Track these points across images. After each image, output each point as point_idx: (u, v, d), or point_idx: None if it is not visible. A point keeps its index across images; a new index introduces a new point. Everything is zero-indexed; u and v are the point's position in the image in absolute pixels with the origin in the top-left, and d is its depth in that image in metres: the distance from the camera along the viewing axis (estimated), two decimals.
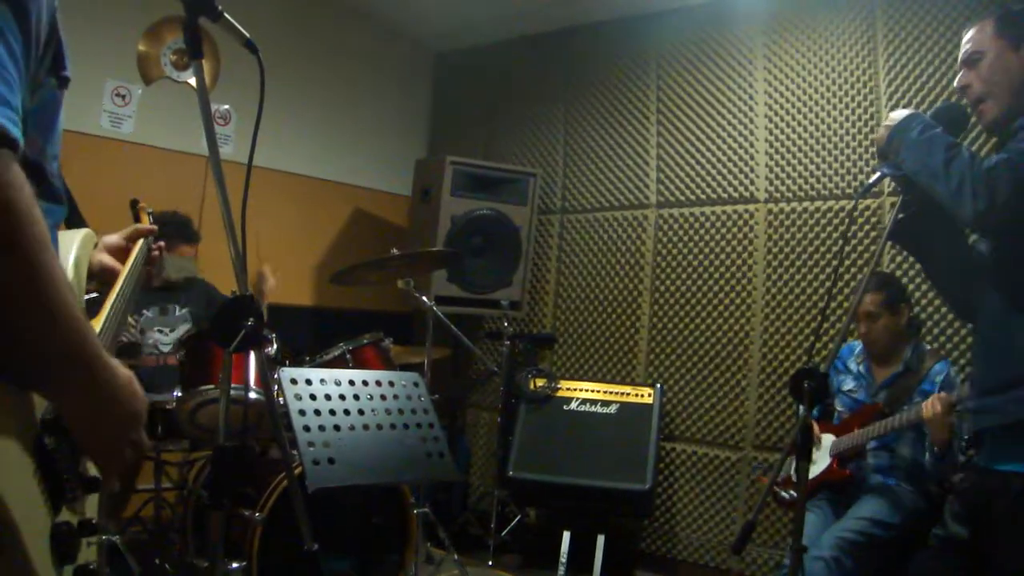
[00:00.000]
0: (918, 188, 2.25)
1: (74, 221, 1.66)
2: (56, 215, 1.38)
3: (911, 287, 4.14)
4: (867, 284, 3.77)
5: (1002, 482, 2.17)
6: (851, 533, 3.40)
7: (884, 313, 3.74)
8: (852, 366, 3.96)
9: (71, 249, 1.53)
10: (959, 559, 2.29)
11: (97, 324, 1.52)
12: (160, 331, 4.38)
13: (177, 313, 4.46)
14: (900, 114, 2.34)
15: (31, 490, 1.15)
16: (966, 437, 3.22)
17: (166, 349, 4.32)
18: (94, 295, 1.66)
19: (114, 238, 1.98)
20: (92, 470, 1.39)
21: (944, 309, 4.12)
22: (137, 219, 2.21)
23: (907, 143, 2.27)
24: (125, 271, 1.81)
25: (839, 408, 3.98)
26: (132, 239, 2.00)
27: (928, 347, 3.95)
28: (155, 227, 2.09)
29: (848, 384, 3.95)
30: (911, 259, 4.21)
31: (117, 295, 1.69)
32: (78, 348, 1.14)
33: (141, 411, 1.28)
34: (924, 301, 4.19)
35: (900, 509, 3.53)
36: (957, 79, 2.27)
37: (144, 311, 4.38)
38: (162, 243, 2.15)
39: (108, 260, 1.89)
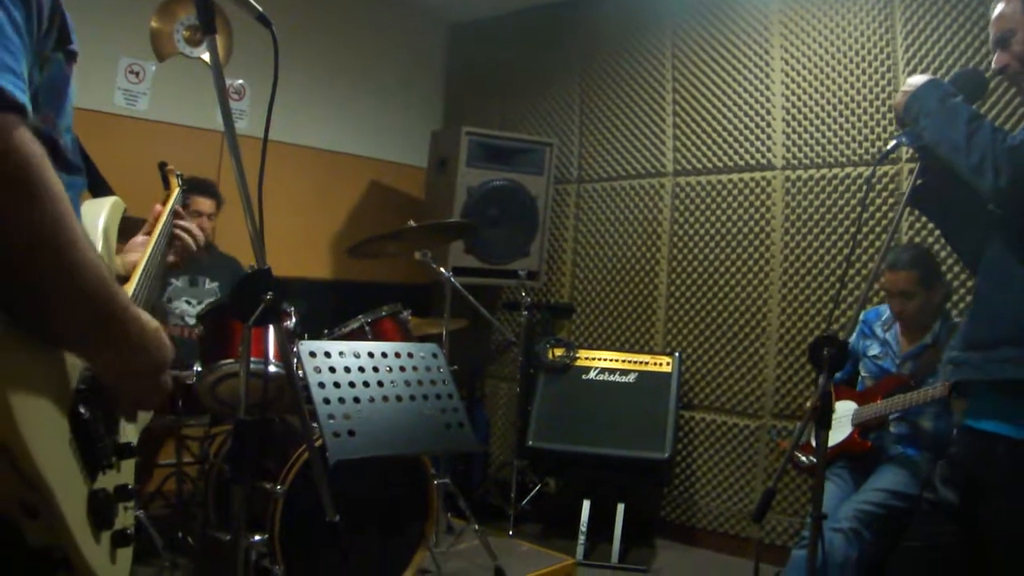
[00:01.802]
0: (937, 156, 2.22)
1: (100, 190, 1.67)
2: (77, 186, 1.40)
3: (943, 254, 4.09)
4: (897, 257, 3.75)
5: (987, 444, 2.16)
6: (870, 505, 3.39)
7: (920, 291, 3.69)
8: (879, 332, 3.94)
9: (100, 217, 1.55)
10: (950, 525, 2.28)
11: (129, 288, 1.54)
12: (188, 302, 4.42)
13: (206, 286, 4.50)
14: (919, 80, 2.29)
15: (67, 458, 1.17)
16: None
17: (192, 320, 4.35)
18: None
19: (141, 238, 1.98)
20: (127, 437, 1.42)
21: (964, 277, 4.09)
22: (166, 180, 2.20)
23: (927, 111, 2.22)
24: (153, 239, 1.82)
25: (863, 373, 3.97)
26: (153, 229, 2.00)
27: (957, 320, 3.93)
28: (175, 191, 2.08)
29: (874, 349, 3.93)
30: (930, 226, 4.18)
31: (146, 261, 1.70)
32: (107, 301, 1.17)
33: (168, 359, 1.32)
34: (950, 275, 4.13)
35: (920, 479, 3.52)
36: (993, 62, 2.20)
37: (173, 279, 4.41)
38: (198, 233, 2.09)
39: (135, 259, 1.90)
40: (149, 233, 1.95)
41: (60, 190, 1.07)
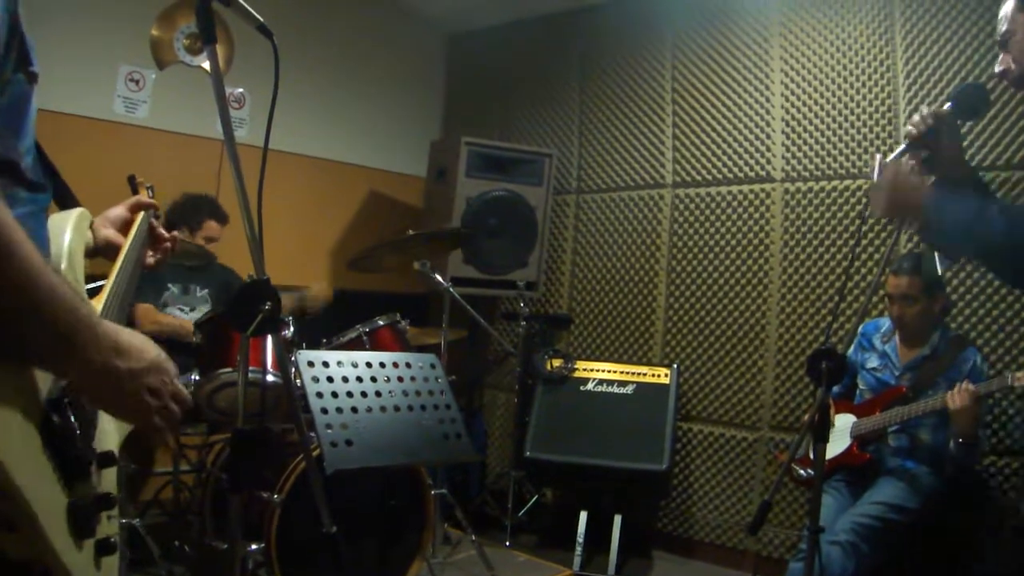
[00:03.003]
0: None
1: (67, 202, 1.67)
2: (40, 203, 1.38)
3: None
4: (901, 262, 3.76)
5: None
6: (868, 518, 3.39)
7: (922, 298, 3.70)
8: (877, 344, 3.94)
9: (65, 232, 1.53)
10: None
11: (99, 303, 1.53)
12: (181, 309, 4.43)
13: (198, 294, 4.51)
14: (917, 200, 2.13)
15: (41, 469, 1.16)
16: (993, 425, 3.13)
17: None
18: (99, 284, 1.67)
19: (118, 210, 1.98)
20: (106, 445, 1.41)
21: (964, 293, 4.09)
22: (136, 194, 2.21)
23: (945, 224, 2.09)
24: (126, 246, 1.82)
25: (861, 386, 3.97)
26: (134, 210, 2.01)
27: (955, 332, 3.93)
28: (155, 202, 2.09)
29: (873, 362, 3.93)
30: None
31: (119, 271, 1.69)
32: (70, 318, 1.15)
33: (156, 360, 1.29)
34: (949, 289, 4.13)
35: (918, 493, 3.52)
36: (997, 64, 2.16)
37: (170, 285, 4.43)
38: (175, 233, 2.15)
39: (112, 234, 1.90)
40: (130, 210, 1.96)
41: (10, 219, 1.06)
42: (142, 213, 2.00)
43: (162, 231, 2.08)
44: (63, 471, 1.21)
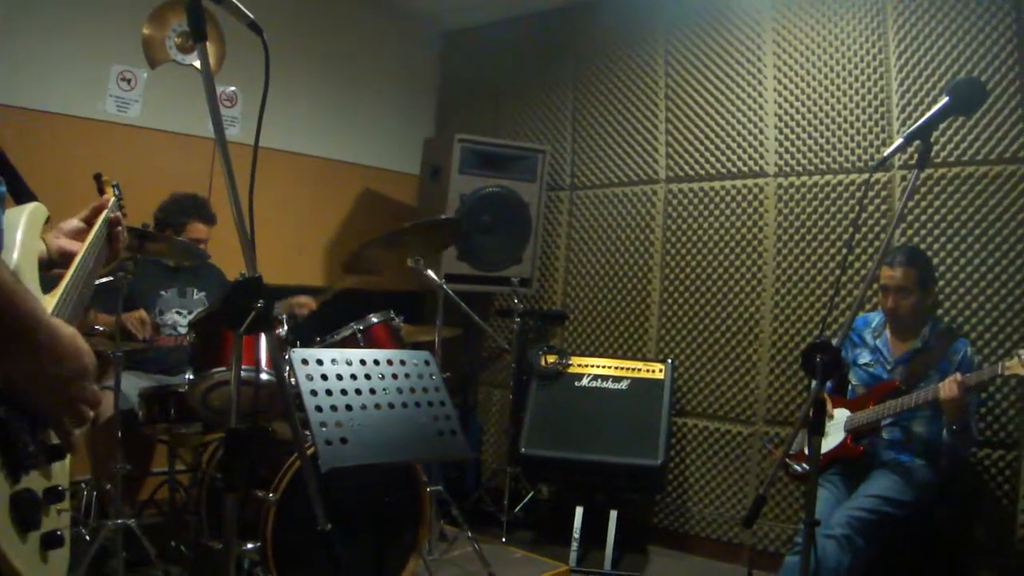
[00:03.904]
0: None
1: (23, 197, 1.67)
2: None
3: (935, 261, 4.11)
4: (895, 254, 3.77)
5: None
6: (863, 511, 3.40)
7: (916, 290, 3.72)
8: (868, 339, 3.95)
9: (18, 225, 1.53)
10: None
11: (52, 299, 1.52)
12: (179, 312, 4.42)
13: (195, 296, 4.49)
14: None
15: None
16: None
17: (184, 330, 4.34)
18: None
19: (73, 222, 1.96)
20: (55, 438, 1.41)
21: (958, 287, 4.10)
22: (101, 191, 2.19)
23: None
24: (82, 250, 1.81)
25: (854, 382, 3.97)
26: (91, 219, 1.99)
27: (945, 325, 3.95)
28: (110, 198, 2.07)
29: (864, 357, 3.93)
30: (923, 232, 4.20)
31: (75, 269, 1.69)
32: (10, 313, 1.15)
33: (88, 366, 1.29)
34: (942, 282, 4.15)
35: (912, 486, 3.53)
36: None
37: (163, 292, 4.41)
38: (119, 215, 2.11)
39: (66, 244, 1.88)
40: (86, 221, 1.95)
41: None
42: (99, 220, 1.98)
43: (119, 222, 2.04)
44: (6, 462, 1.21)
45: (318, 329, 4.01)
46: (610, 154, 5.52)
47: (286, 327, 3.70)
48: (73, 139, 4.47)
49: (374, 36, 6.09)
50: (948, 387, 3.34)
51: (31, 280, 1.51)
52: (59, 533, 1.33)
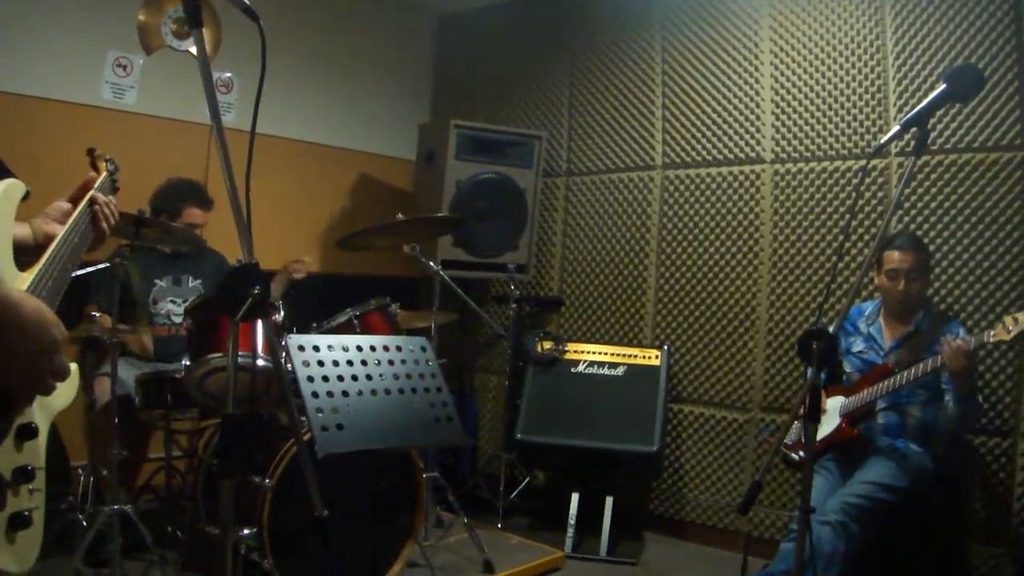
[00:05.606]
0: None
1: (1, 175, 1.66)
2: None
3: (931, 247, 4.11)
4: (902, 239, 3.78)
5: None
6: (858, 498, 3.41)
7: (920, 275, 3.74)
8: (862, 327, 3.96)
9: None
10: None
11: (29, 276, 1.52)
12: (173, 301, 4.40)
13: (190, 284, 4.48)
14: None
15: None
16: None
17: (178, 319, 4.33)
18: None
19: (60, 204, 1.96)
20: (30, 417, 1.40)
21: (954, 274, 4.10)
22: (95, 167, 2.18)
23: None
24: (64, 231, 1.80)
25: (848, 370, 3.98)
26: (78, 198, 1.99)
27: (940, 309, 3.95)
28: (96, 175, 2.06)
29: (858, 346, 3.94)
30: (919, 219, 4.20)
31: (55, 247, 1.68)
32: None
33: (56, 339, 1.28)
34: (938, 269, 4.15)
35: (907, 472, 3.54)
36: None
37: (157, 280, 4.39)
38: (111, 198, 2.10)
39: (53, 228, 1.88)
40: (72, 200, 1.94)
41: None
42: (84, 201, 1.97)
43: (97, 200, 2.04)
44: None
45: (315, 316, 4.00)
46: (607, 140, 5.51)
47: (284, 310, 3.69)
48: (69, 125, 4.45)
49: (370, 21, 6.07)
50: (950, 346, 3.34)
51: (2, 256, 1.51)
52: (27, 513, 1.32)
